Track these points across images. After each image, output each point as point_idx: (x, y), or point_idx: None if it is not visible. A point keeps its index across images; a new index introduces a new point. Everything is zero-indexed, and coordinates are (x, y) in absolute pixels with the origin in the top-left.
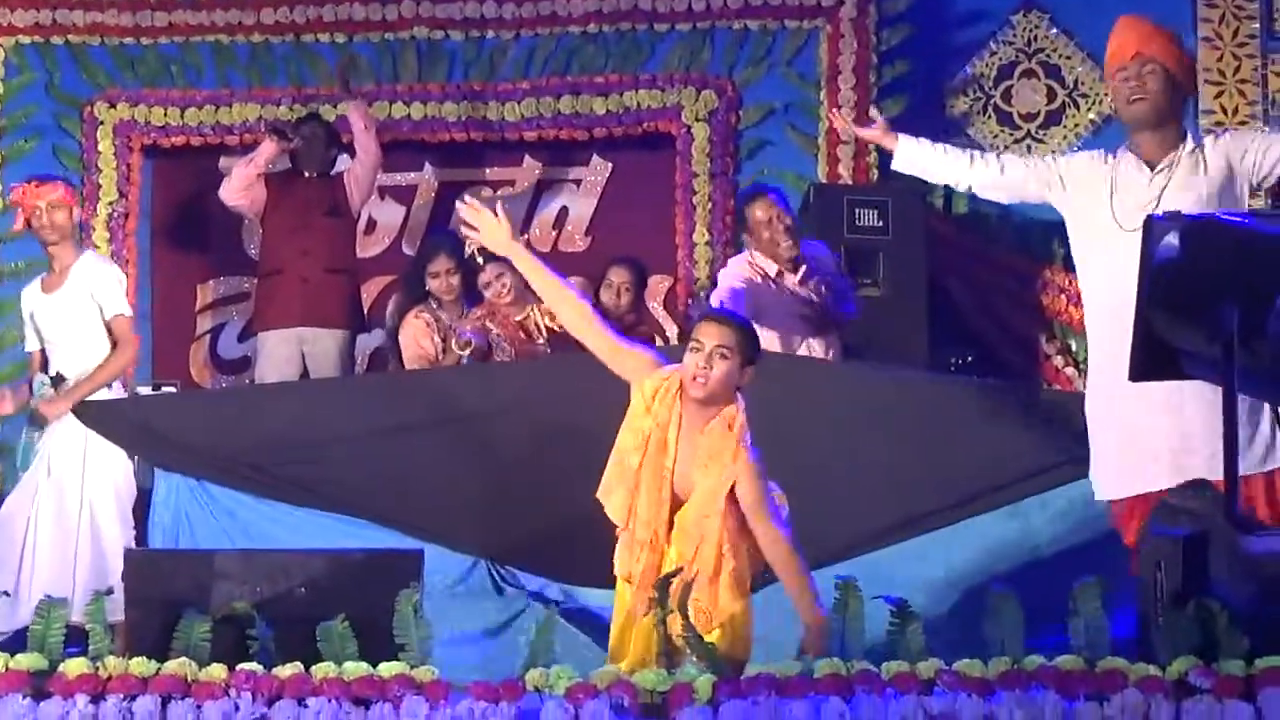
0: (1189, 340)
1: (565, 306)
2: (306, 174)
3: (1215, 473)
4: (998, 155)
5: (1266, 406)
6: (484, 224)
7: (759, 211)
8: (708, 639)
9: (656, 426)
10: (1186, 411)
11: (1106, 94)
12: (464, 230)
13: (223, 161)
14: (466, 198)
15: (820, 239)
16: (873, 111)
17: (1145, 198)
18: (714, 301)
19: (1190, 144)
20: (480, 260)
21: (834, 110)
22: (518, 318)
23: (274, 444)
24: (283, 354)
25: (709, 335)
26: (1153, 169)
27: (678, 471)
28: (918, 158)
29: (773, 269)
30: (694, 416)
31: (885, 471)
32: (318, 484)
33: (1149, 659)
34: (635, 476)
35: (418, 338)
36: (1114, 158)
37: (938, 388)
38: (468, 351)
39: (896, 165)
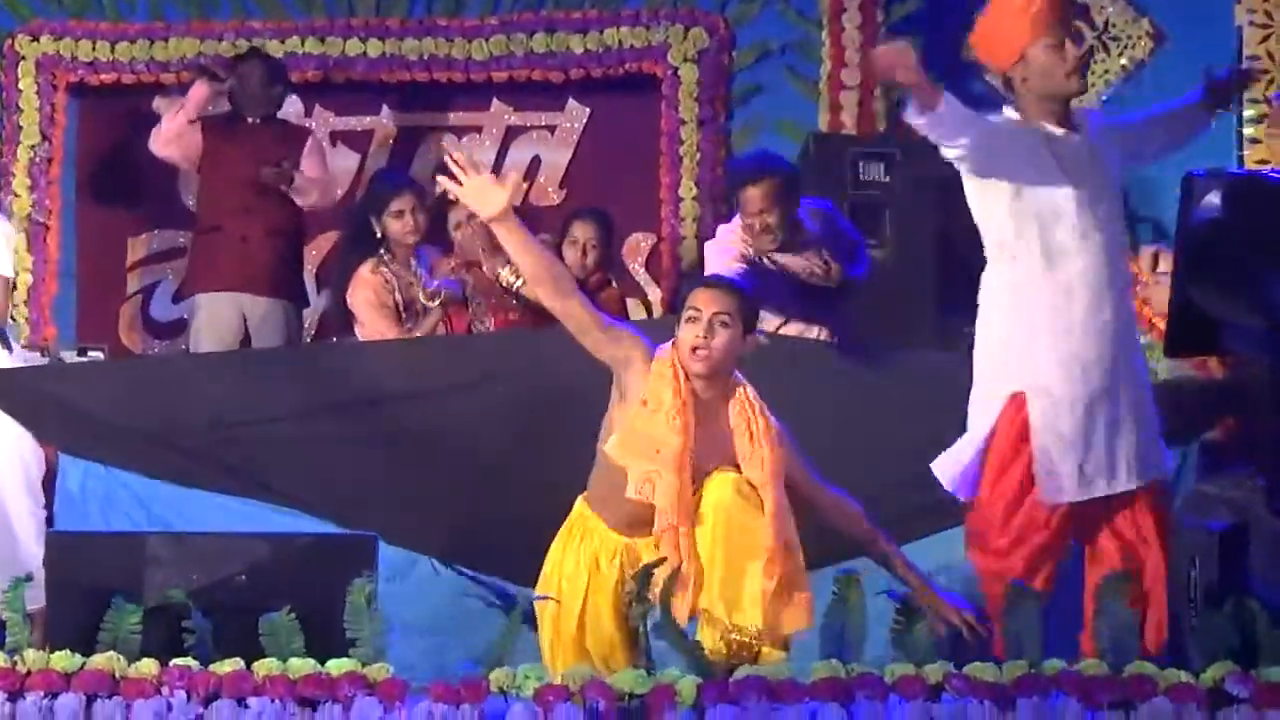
0: (1229, 310)
1: (547, 278)
2: (250, 119)
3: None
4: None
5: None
6: (475, 186)
7: (754, 198)
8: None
9: (683, 406)
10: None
11: (1141, 37)
12: (447, 184)
13: (156, 102)
14: (450, 151)
15: (820, 195)
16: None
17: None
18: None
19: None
20: (452, 197)
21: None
22: (494, 272)
23: (206, 423)
24: (222, 318)
25: (706, 302)
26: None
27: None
28: (939, 128)
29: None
30: (698, 393)
31: (887, 463)
32: (253, 471)
33: (1181, 664)
34: (677, 460)
35: (379, 295)
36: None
37: (943, 371)
38: (437, 303)
39: (911, 118)
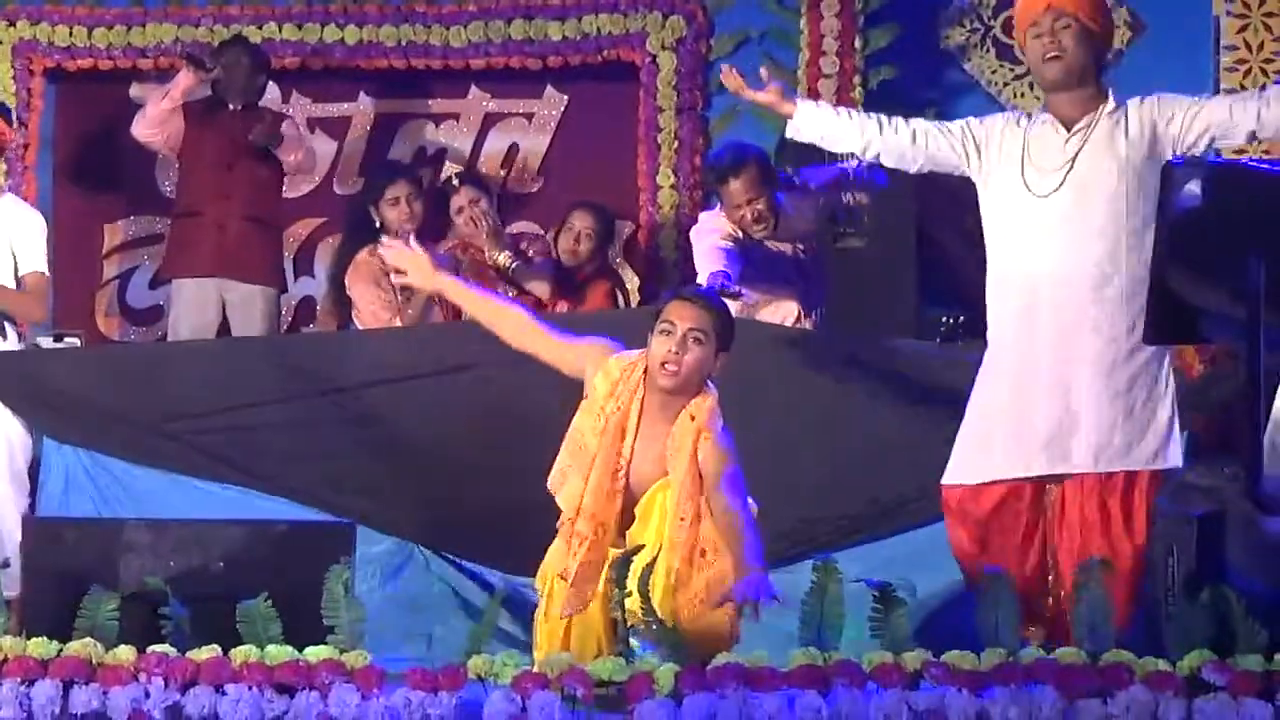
0: (1210, 299)
1: (504, 321)
2: (231, 106)
3: (1093, 464)
4: (907, 121)
5: (1169, 396)
6: (408, 263)
7: (737, 190)
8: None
9: (618, 410)
10: (1072, 396)
11: (1119, 27)
12: (393, 275)
13: (134, 89)
14: (384, 240)
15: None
16: (762, 71)
17: (1058, 161)
18: (698, 263)
19: (1111, 104)
20: (456, 182)
21: (725, 66)
22: (491, 257)
23: (190, 410)
24: (200, 304)
25: (683, 317)
26: (1069, 130)
27: (634, 465)
28: (817, 123)
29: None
30: (658, 407)
31: (864, 453)
32: (237, 457)
33: (1158, 652)
34: (590, 462)
35: (375, 280)
36: (1029, 120)
37: (925, 360)
38: None
39: (790, 133)
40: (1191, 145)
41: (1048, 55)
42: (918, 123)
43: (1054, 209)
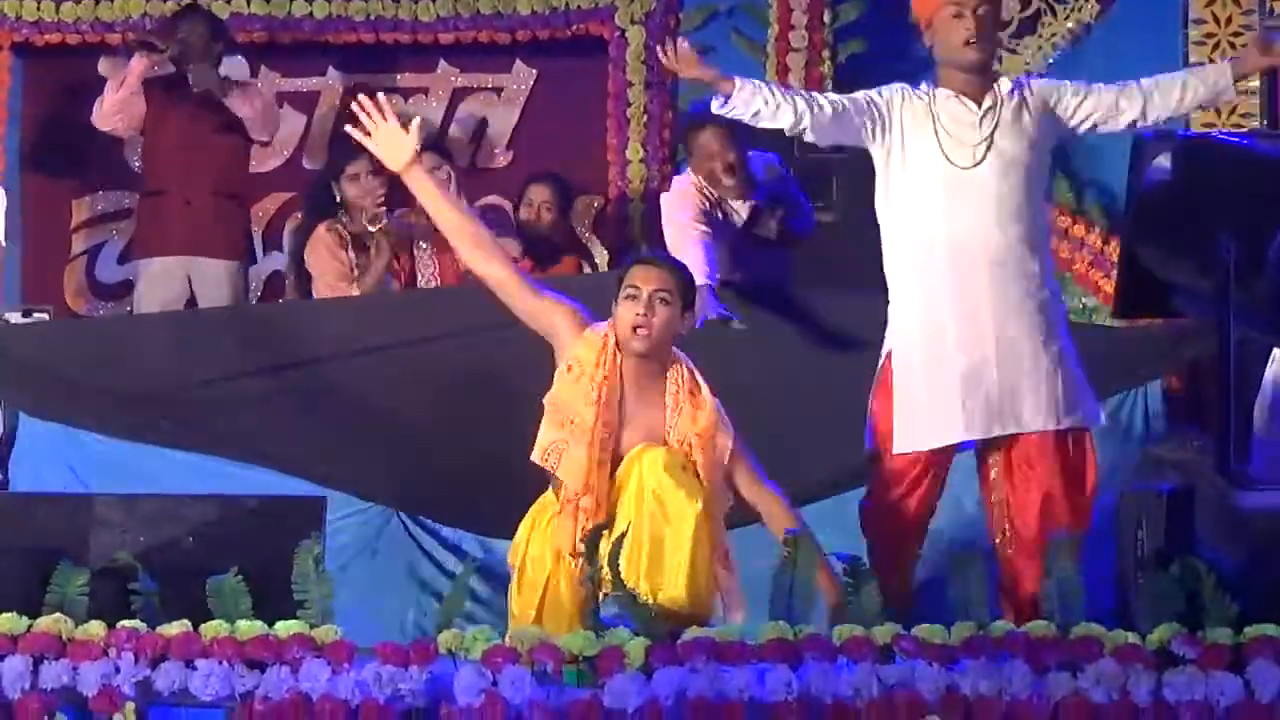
0: (1180, 273)
1: (464, 234)
2: (192, 79)
3: (1043, 423)
4: (825, 96)
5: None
6: (383, 134)
7: (709, 139)
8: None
9: (606, 380)
10: (1015, 363)
11: (1088, 0)
12: (354, 133)
13: (102, 64)
14: (376, 97)
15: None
16: (682, 43)
17: (975, 136)
18: (673, 242)
19: (1008, 84)
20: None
21: (660, 47)
22: None
23: (162, 382)
24: (167, 282)
25: (647, 280)
26: (979, 106)
27: (623, 433)
28: (750, 102)
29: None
30: (634, 374)
31: (838, 412)
32: (210, 428)
33: (1128, 625)
34: (589, 434)
35: (331, 253)
36: (927, 94)
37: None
38: (378, 227)
39: (715, 107)
40: (1074, 129)
41: (970, 39)
42: (833, 97)
43: (976, 182)
